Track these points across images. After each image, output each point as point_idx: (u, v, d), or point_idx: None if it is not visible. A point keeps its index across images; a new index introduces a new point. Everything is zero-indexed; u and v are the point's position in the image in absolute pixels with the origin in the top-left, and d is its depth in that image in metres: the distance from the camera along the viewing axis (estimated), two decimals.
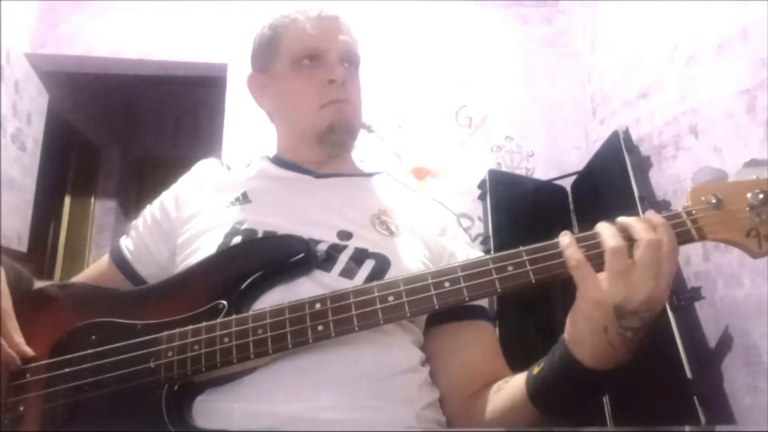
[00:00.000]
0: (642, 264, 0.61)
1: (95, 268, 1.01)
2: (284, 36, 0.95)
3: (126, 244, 0.98)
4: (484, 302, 0.89)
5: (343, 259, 0.81)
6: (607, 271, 0.62)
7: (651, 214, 0.66)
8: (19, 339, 0.74)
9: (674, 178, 1.97)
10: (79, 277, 1.01)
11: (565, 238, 0.66)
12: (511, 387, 0.75)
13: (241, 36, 2.60)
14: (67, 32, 2.75)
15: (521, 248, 0.69)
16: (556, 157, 2.69)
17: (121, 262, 0.96)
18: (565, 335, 0.67)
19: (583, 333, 0.64)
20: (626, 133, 2.16)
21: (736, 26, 1.69)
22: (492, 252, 0.71)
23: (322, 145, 0.94)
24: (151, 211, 0.97)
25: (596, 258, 0.65)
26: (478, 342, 0.86)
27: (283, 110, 0.99)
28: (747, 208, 0.66)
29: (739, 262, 1.60)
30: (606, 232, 0.65)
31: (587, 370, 0.64)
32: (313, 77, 0.92)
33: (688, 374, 1.57)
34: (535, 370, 0.71)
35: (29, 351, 0.74)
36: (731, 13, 1.72)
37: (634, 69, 2.31)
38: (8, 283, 0.77)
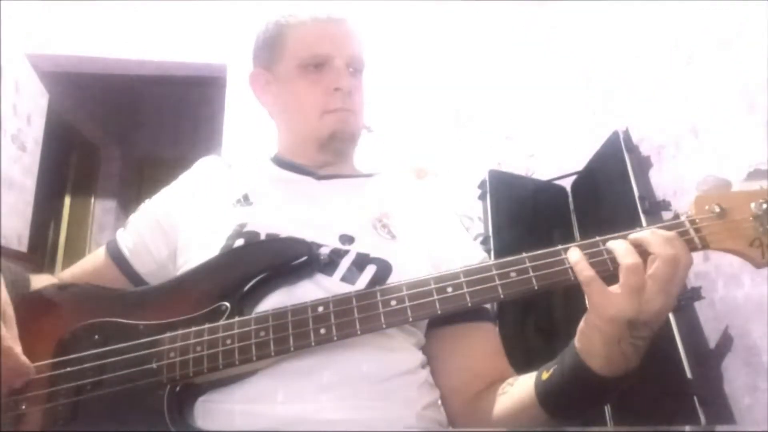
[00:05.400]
0: (657, 278, 0.62)
1: (90, 260, 0.97)
2: (290, 36, 0.94)
3: (124, 240, 0.94)
4: None
5: (345, 264, 0.80)
6: (622, 288, 0.62)
7: (663, 231, 0.65)
8: (18, 350, 0.70)
9: (674, 178, 1.97)
10: (74, 269, 0.97)
11: (574, 254, 0.66)
12: (519, 390, 0.75)
13: (240, 36, 2.60)
14: (67, 32, 2.75)
15: (524, 254, 0.69)
16: (556, 157, 2.69)
17: (118, 259, 0.93)
18: (576, 344, 0.67)
19: (595, 344, 0.65)
20: (626, 133, 2.16)
21: (736, 26, 1.69)
22: (492, 252, 0.72)
23: (322, 151, 0.94)
24: (150, 207, 0.95)
25: (600, 266, 0.65)
26: (481, 343, 0.86)
27: (285, 111, 0.98)
28: (751, 218, 0.66)
29: (739, 263, 1.59)
30: (620, 248, 0.64)
31: (599, 377, 0.65)
32: (318, 83, 0.91)
33: (688, 374, 1.57)
34: (544, 375, 0.71)
35: (27, 362, 0.70)
36: (731, 13, 1.72)
37: (634, 69, 2.31)
38: (6, 285, 0.74)
